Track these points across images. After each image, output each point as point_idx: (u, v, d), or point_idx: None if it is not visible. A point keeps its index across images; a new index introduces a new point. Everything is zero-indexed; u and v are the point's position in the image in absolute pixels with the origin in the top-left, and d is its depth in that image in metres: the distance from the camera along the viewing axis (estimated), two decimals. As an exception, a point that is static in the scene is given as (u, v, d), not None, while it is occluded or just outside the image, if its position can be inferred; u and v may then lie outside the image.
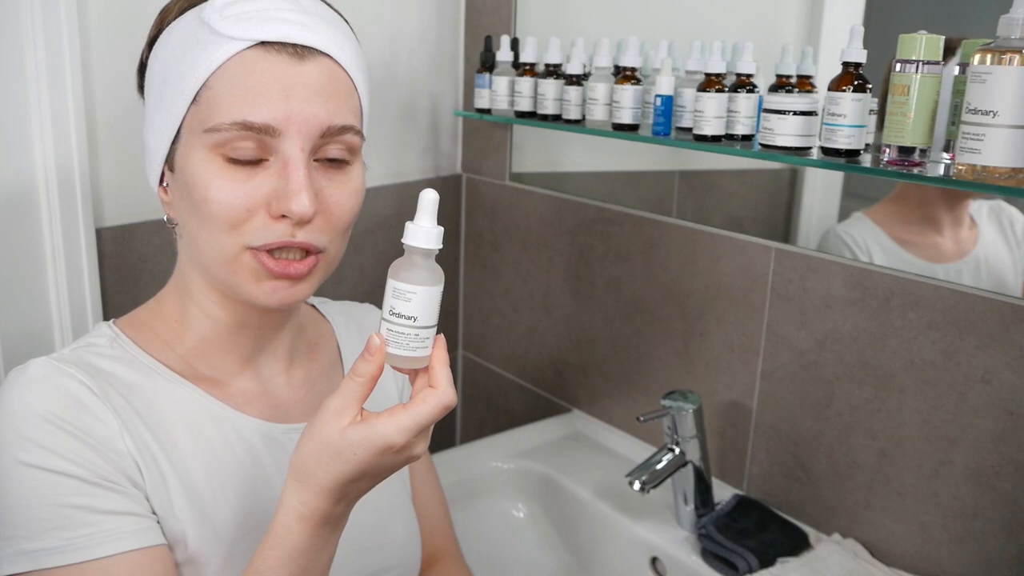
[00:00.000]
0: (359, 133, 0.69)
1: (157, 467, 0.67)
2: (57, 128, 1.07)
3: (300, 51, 0.65)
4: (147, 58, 0.71)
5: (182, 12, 0.68)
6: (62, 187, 1.09)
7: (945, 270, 1.02)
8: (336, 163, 0.68)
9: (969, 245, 1.02)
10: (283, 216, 0.65)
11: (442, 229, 0.65)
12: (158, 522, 0.67)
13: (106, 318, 1.18)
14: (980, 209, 1.03)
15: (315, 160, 0.67)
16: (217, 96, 0.64)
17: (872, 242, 1.06)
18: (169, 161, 0.69)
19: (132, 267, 1.19)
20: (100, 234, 1.15)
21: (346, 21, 0.74)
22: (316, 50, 0.66)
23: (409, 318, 0.62)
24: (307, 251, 0.67)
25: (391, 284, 0.62)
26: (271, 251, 0.66)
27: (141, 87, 0.73)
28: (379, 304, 0.95)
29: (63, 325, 1.12)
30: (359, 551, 0.78)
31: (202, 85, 0.65)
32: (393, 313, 0.62)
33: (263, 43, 0.64)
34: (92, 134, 1.12)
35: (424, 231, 0.64)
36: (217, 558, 0.68)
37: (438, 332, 0.64)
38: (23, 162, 1.06)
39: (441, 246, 0.64)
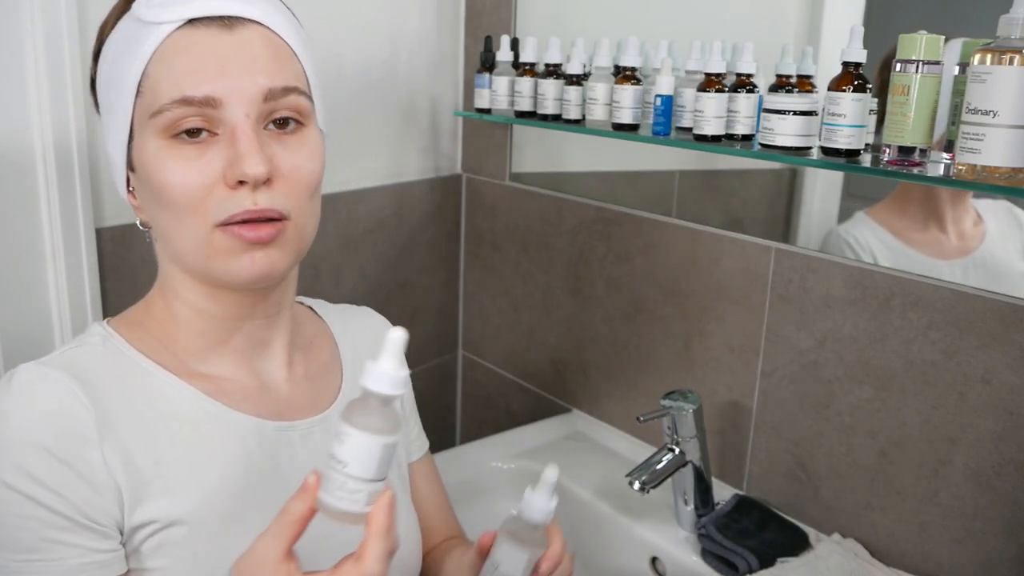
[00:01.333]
0: (305, 95, 0.69)
1: (143, 470, 0.66)
2: (57, 128, 1.07)
3: (228, 22, 0.65)
4: (95, 73, 0.72)
5: (117, 19, 0.69)
6: (62, 187, 1.09)
7: (951, 267, 1.01)
8: (288, 128, 0.68)
9: (975, 242, 1.02)
10: (240, 184, 0.64)
11: (406, 374, 0.58)
12: (124, 551, 0.66)
13: (106, 318, 1.18)
14: (988, 204, 1.02)
15: (266, 129, 0.67)
16: (156, 81, 0.65)
17: (875, 241, 1.06)
18: (129, 163, 0.69)
19: (132, 267, 1.19)
20: (100, 234, 1.15)
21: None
22: (245, 19, 0.66)
23: (341, 462, 0.55)
24: (270, 218, 0.66)
25: (338, 418, 0.57)
26: (235, 221, 0.65)
27: (96, 104, 0.73)
28: (378, 308, 0.96)
29: (63, 325, 1.12)
30: (350, 551, 0.77)
31: (141, 75, 0.65)
32: (331, 453, 0.56)
33: (191, 21, 0.65)
34: (92, 134, 1.12)
35: (386, 375, 0.56)
36: (209, 554, 0.68)
37: (386, 481, 0.57)
38: (23, 162, 1.06)
39: (403, 391, 0.57)
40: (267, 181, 0.65)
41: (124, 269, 1.19)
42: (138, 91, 0.66)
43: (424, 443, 0.95)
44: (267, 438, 0.73)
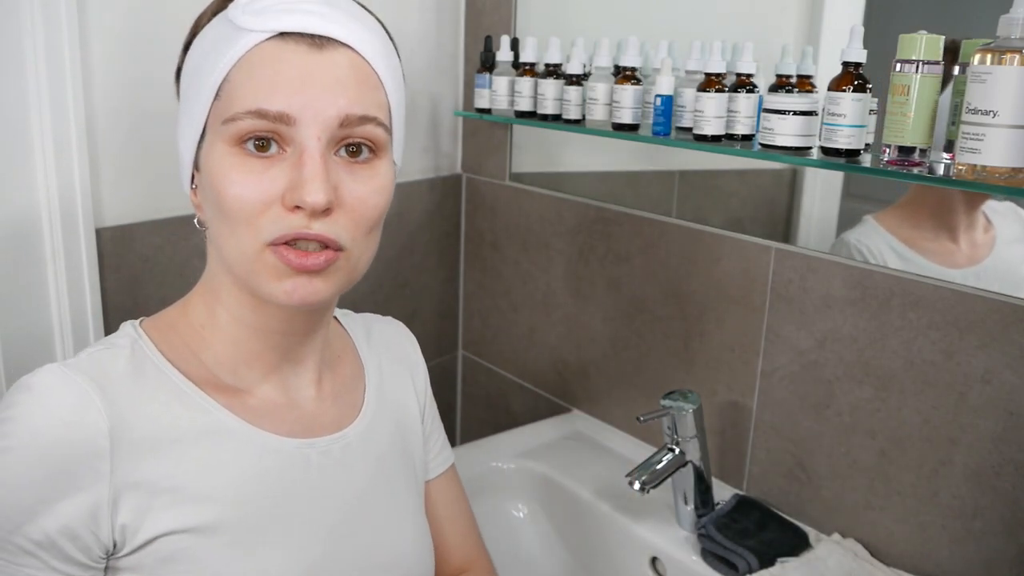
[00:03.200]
0: (383, 126, 0.67)
1: (154, 483, 0.66)
2: (57, 128, 1.07)
3: (319, 41, 0.64)
4: (182, 62, 0.71)
5: (213, 15, 0.69)
6: (62, 187, 1.09)
7: (963, 275, 0.98)
8: (360, 157, 0.66)
9: (985, 249, 0.99)
10: (297, 207, 0.63)
11: None
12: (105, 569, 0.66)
13: (106, 319, 1.18)
14: (995, 207, 1.00)
15: (337, 155, 0.65)
16: (235, 88, 0.64)
17: (888, 251, 1.03)
18: (196, 162, 0.69)
19: (132, 267, 1.19)
20: (100, 234, 1.15)
21: (379, 20, 0.73)
22: (336, 40, 0.64)
23: None
24: (325, 245, 0.65)
25: None
26: (289, 244, 0.64)
27: (178, 93, 0.73)
28: (378, 308, 0.96)
29: (63, 325, 1.12)
30: (363, 569, 0.76)
31: (223, 80, 0.64)
32: None
33: (282, 34, 0.63)
34: (92, 134, 1.12)
35: None
36: (216, 570, 0.67)
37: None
38: (23, 162, 1.06)
39: None
40: (327, 210, 0.63)
41: (124, 269, 1.19)
42: (217, 94, 0.65)
43: (447, 458, 0.93)
44: (285, 456, 0.72)
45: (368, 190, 0.66)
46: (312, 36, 0.64)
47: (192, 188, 0.71)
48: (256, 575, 0.68)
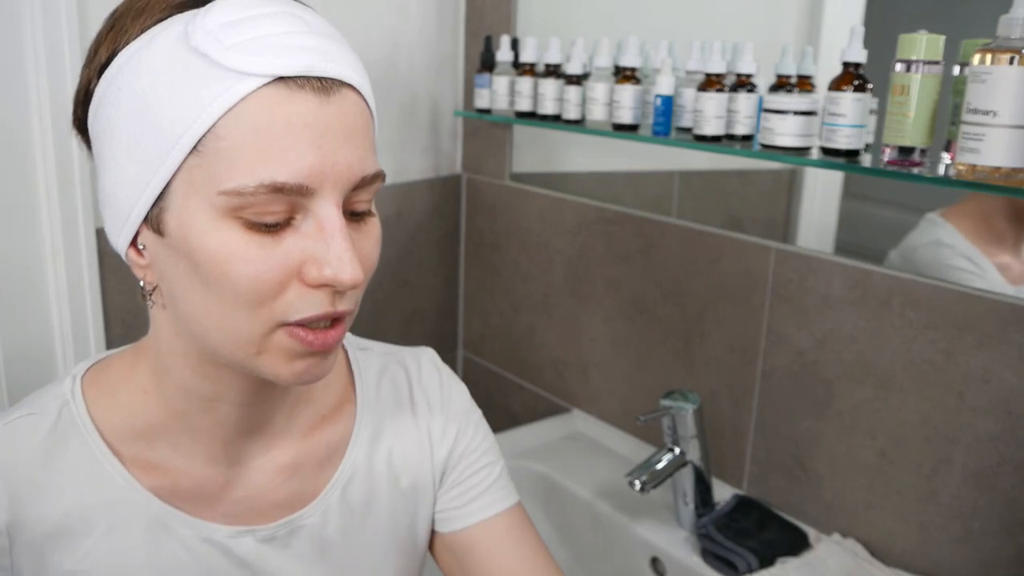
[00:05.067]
0: (382, 176, 0.59)
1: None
2: (57, 128, 1.07)
3: (325, 85, 0.54)
4: (93, 87, 0.58)
5: (145, 31, 0.55)
6: (62, 187, 1.09)
7: (1016, 292, 0.92)
8: (361, 215, 0.59)
9: None
10: (325, 285, 0.55)
11: None
12: None
13: (106, 319, 1.18)
14: None
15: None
16: (233, 149, 0.52)
17: (965, 265, 0.96)
18: (152, 220, 0.56)
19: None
20: (100, 234, 1.15)
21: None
22: (341, 82, 0.55)
23: None
24: (338, 318, 0.58)
25: None
26: (305, 323, 0.56)
27: (83, 123, 0.61)
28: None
29: (63, 325, 1.12)
30: None
31: (206, 132, 0.52)
32: None
33: (281, 79, 0.53)
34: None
35: None
36: None
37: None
38: (23, 162, 1.06)
39: None
40: None
41: (124, 269, 1.18)
42: (195, 148, 0.53)
43: (497, 499, 0.76)
44: (212, 546, 0.65)
45: (372, 245, 0.60)
46: (319, 79, 0.54)
47: (136, 248, 0.59)
48: None
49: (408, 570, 0.76)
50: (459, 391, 0.79)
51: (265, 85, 0.52)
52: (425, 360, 0.79)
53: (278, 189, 0.52)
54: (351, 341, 0.78)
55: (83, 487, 0.62)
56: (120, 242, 0.60)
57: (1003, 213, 0.98)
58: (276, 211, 0.54)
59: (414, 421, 0.76)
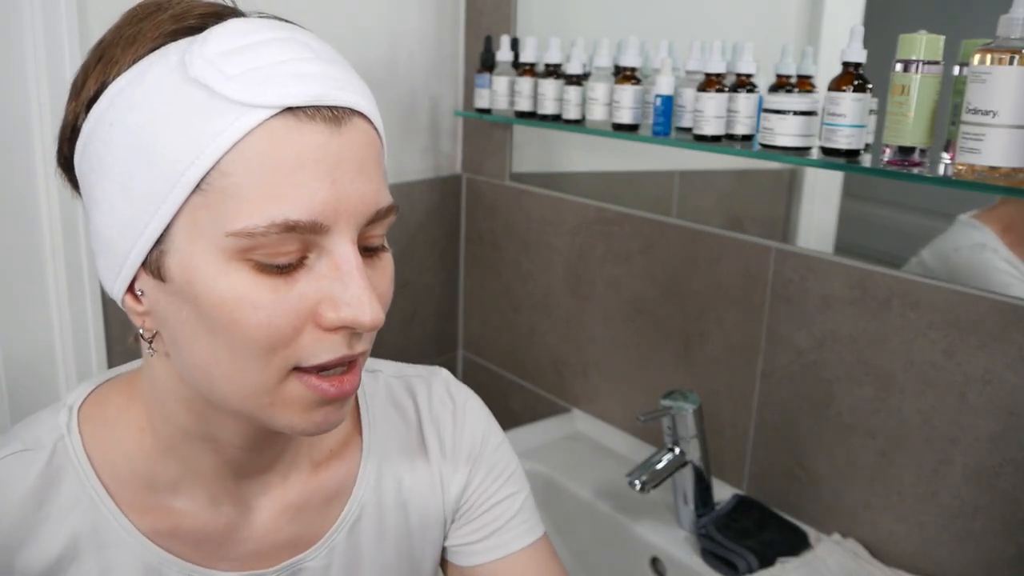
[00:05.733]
0: (396, 208, 0.56)
1: None
2: (57, 128, 1.07)
3: (336, 115, 0.51)
4: (83, 123, 0.54)
5: (137, 61, 0.52)
6: (62, 188, 1.08)
7: None
8: (375, 249, 0.56)
9: None
10: (341, 327, 0.52)
11: None
12: None
13: (106, 319, 1.18)
14: None
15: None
16: (240, 187, 0.49)
17: (1002, 267, 0.93)
18: (151, 265, 0.53)
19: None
20: (100, 234, 1.15)
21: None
22: (351, 111, 0.52)
23: None
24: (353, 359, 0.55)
25: None
26: (318, 369, 0.53)
27: (69, 161, 0.57)
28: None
29: (63, 325, 1.12)
30: None
31: (211, 169, 0.49)
32: None
33: (290, 109, 0.49)
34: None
35: None
36: None
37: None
38: (23, 163, 1.06)
39: None
40: None
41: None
42: (199, 186, 0.49)
43: (522, 533, 0.73)
44: None
45: (387, 282, 0.56)
46: (330, 109, 0.51)
47: (134, 293, 0.55)
48: None
49: None
50: (473, 420, 0.74)
51: (273, 117, 0.49)
52: (437, 387, 0.74)
53: (291, 228, 0.49)
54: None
55: (77, 530, 0.59)
56: (116, 288, 0.56)
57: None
58: (289, 251, 0.50)
59: (424, 457, 0.71)
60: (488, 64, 1.40)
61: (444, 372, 0.76)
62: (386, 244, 0.57)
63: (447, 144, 1.63)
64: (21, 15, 1.02)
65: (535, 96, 1.32)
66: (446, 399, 0.73)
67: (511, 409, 1.61)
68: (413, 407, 0.72)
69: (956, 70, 0.88)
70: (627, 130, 1.18)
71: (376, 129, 0.54)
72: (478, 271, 1.65)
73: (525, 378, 1.57)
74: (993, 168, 0.78)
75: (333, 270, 0.51)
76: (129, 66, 0.52)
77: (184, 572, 0.61)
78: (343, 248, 0.51)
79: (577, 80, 1.25)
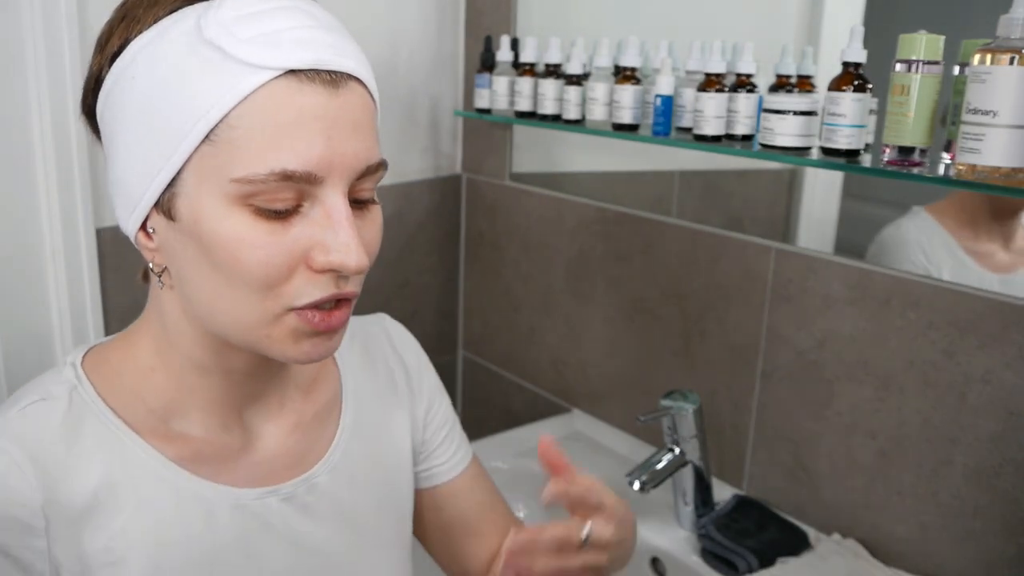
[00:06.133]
0: (385, 165, 0.62)
1: (93, 555, 0.62)
2: (57, 128, 1.07)
3: (334, 79, 0.56)
4: (104, 74, 0.60)
5: (157, 21, 0.58)
6: (62, 187, 1.09)
7: (1002, 281, 0.96)
8: (365, 202, 0.62)
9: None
10: (330, 270, 0.58)
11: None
12: None
13: (106, 319, 1.18)
14: None
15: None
16: (244, 138, 0.55)
17: (939, 245, 1.00)
18: (163, 205, 0.59)
19: (132, 267, 1.18)
20: (100, 234, 1.15)
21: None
22: (349, 76, 0.58)
23: None
24: (345, 299, 0.61)
25: None
26: (312, 306, 0.59)
27: (93, 110, 0.62)
28: (378, 308, 0.93)
29: (63, 325, 1.12)
30: None
31: (219, 122, 0.55)
32: None
33: (293, 71, 0.55)
34: (92, 134, 1.12)
35: None
36: None
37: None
38: (23, 162, 1.06)
39: None
40: None
41: (124, 269, 1.19)
42: (208, 136, 0.55)
43: (466, 454, 0.86)
44: (242, 509, 0.67)
45: (375, 232, 0.62)
46: (329, 73, 0.56)
47: (146, 231, 0.62)
48: None
49: (405, 524, 0.80)
50: (420, 351, 0.86)
51: (277, 77, 0.55)
52: (388, 325, 0.85)
53: (288, 177, 0.55)
54: None
55: (108, 465, 0.63)
56: (130, 226, 0.62)
57: (984, 206, 1.00)
58: (285, 198, 0.56)
59: (385, 381, 0.81)
60: (488, 64, 1.40)
61: (386, 316, 0.86)
62: (375, 198, 0.63)
63: (447, 144, 1.63)
64: (21, 15, 1.02)
65: (535, 96, 1.32)
66: (390, 335, 0.84)
67: (511, 409, 1.61)
68: (374, 341, 0.82)
69: (956, 70, 0.88)
70: (627, 130, 1.18)
71: (371, 93, 0.61)
72: (478, 271, 1.65)
73: (525, 378, 1.57)
74: (993, 168, 0.78)
75: (325, 218, 0.57)
76: (150, 25, 0.57)
77: (216, 493, 0.66)
78: (335, 199, 0.57)
79: (577, 80, 1.25)
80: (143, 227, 0.61)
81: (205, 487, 0.66)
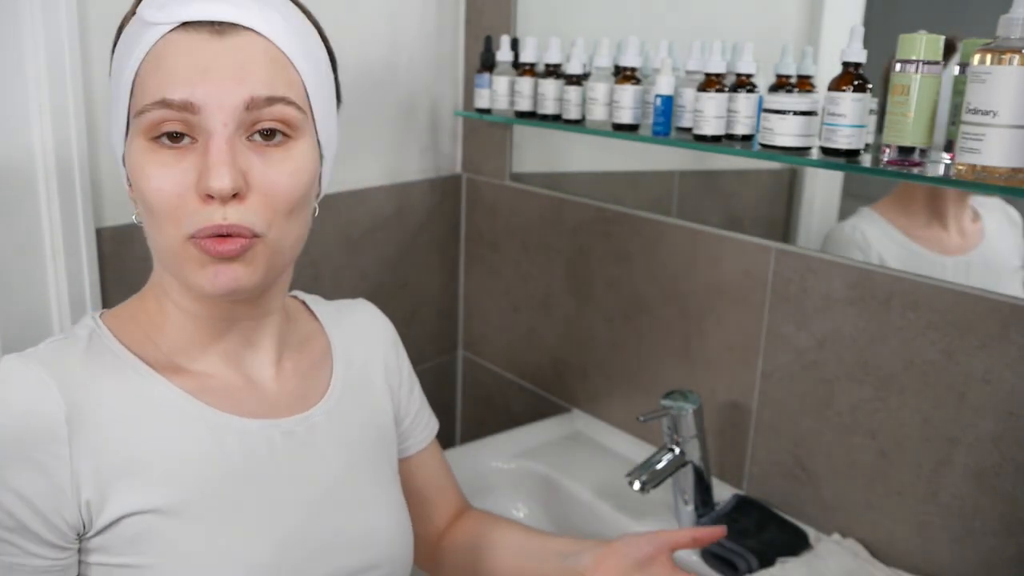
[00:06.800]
0: (294, 105, 0.66)
1: (114, 467, 0.67)
2: (57, 128, 1.07)
3: (219, 27, 0.64)
4: (111, 62, 0.72)
5: (130, 17, 0.69)
6: (62, 187, 1.09)
7: (954, 263, 1.02)
8: (274, 140, 0.66)
9: (974, 239, 1.02)
10: (209, 197, 0.63)
11: None
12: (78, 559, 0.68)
13: (100, 311, 1.18)
14: (984, 202, 1.03)
15: (250, 139, 0.65)
16: (144, 81, 0.65)
17: (883, 238, 1.06)
18: (125, 158, 0.69)
19: (132, 267, 1.19)
20: (100, 234, 1.15)
21: (296, 3, 0.72)
22: (238, 25, 0.65)
23: None
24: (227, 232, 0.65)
25: None
26: (201, 235, 0.65)
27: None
28: (386, 308, 0.97)
29: (63, 326, 1.12)
30: (334, 549, 0.76)
31: (135, 74, 0.66)
32: None
33: (184, 24, 0.64)
34: (92, 134, 1.12)
35: None
36: (181, 549, 0.68)
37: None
38: (23, 162, 1.06)
39: None
40: (238, 196, 0.64)
41: (124, 269, 1.19)
42: (131, 90, 0.66)
43: (433, 428, 0.95)
44: (248, 436, 0.73)
45: (281, 173, 0.66)
46: (213, 23, 0.64)
47: (129, 186, 0.71)
48: (222, 555, 0.69)
49: (395, 468, 0.87)
50: (394, 329, 0.94)
51: (172, 31, 0.65)
52: (365, 305, 0.93)
53: (167, 104, 0.63)
54: (302, 296, 0.90)
55: (125, 390, 0.69)
56: (125, 184, 0.71)
57: (921, 194, 1.06)
58: (170, 123, 0.64)
59: (370, 353, 0.88)
60: (488, 64, 1.40)
61: (365, 300, 0.95)
62: (294, 137, 0.67)
63: (447, 144, 1.63)
64: (21, 15, 1.02)
65: (535, 96, 1.32)
66: (373, 316, 0.92)
67: (511, 409, 1.61)
68: (351, 319, 0.90)
69: (956, 70, 0.88)
70: (627, 130, 1.18)
71: (274, 43, 0.66)
72: (478, 271, 1.65)
73: (525, 378, 1.57)
74: (993, 168, 0.78)
75: (205, 145, 0.63)
76: (127, 24, 0.69)
77: (224, 420, 0.72)
78: (214, 127, 0.63)
79: (577, 80, 1.25)
80: (128, 184, 0.70)
81: (213, 413, 0.72)
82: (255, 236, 0.65)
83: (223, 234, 0.64)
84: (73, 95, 1.07)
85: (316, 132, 0.71)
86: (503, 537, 0.92)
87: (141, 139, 0.65)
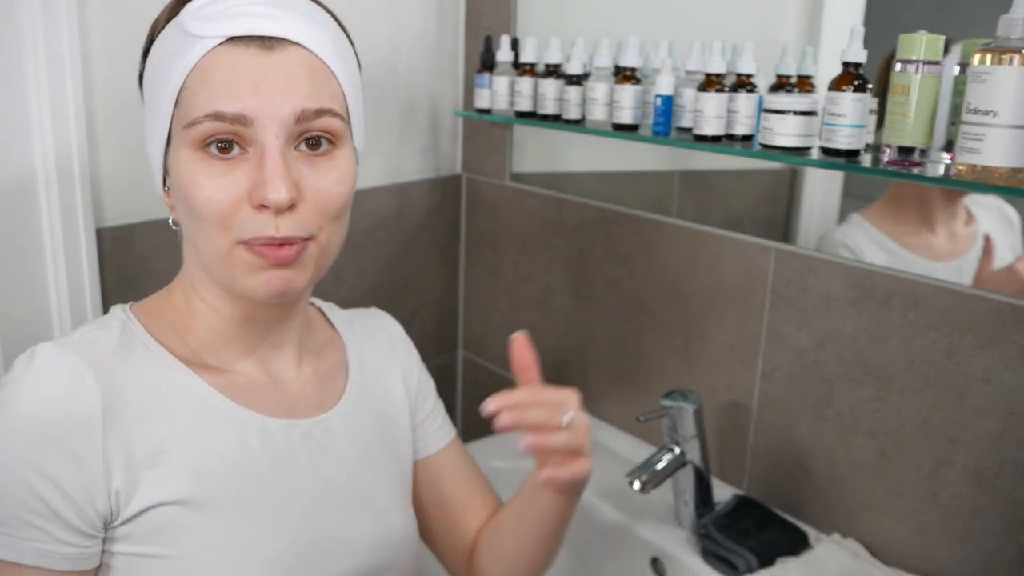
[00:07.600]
0: (339, 116, 0.70)
1: (142, 458, 0.68)
2: (57, 128, 1.07)
3: (268, 42, 0.66)
4: (143, 70, 0.73)
5: (167, 21, 0.71)
6: (62, 187, 1.09)
7: (946, 268, 1.02)
8: (320, 150, 0.69)
9: (966, 243, 1.02)
10: (263, 206, 0.66)
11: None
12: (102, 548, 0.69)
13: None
14: (980, 202, 1.03)
15: (297, 150, 0.68)
16: (193, 94, 0.66)
17: (872, 245, 1.06)
18: (165, 166, 0.71)
19: (132, 267, 1.19)
20: (100, 234, 1.15)
21: (329, 12, 0.75)
22: (285, 40, 0.67)
23: None
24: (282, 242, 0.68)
25: None
26: (254, 243, 0.67)
27: (143, 98, 0.76)
28: (386, 308, 0.97)
29: (63, 326, 1.12)
30: (348, 548, 0.78)
31: (181, 87, 0.67)
32: None
33: (232, 38, 0.66)
34: (92, 134, 1.12)
35: None
36: (202, 542, 0.70)
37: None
38: (23, 162, 1.06)
39: None
40: (291, 206, 0.66)
41: (124, 269, 1.19)
42: (176, 101, 0.68)
43: (449, 430, 0.95)
44: (269, 434, 0.75)
45: (330, 180, 0.69)
46: (261, 38, 0.66)
47: (165, 190, 0.74)
48: (241, 549, 0.70)
49: (407, 476, 0.89)
50: (405, 334, 0.96)
51: (219, 45, 0.66)
52: (378, 313, 0.96)
53: (219, 117, 0.65)
54: (319, 303, 0.92)
55: (156, 382, 0.71)
56: (158, 189, 0.74)
57: (911, 199, 1.05)
58: (222, 136, 0.66)
59: (384, 359, 0.90)
60: (488, 64, 1.40)
61: (375, 308, 0.97)
62: (338, 146, 0.70)
63: (447, 144, 1.63)
64: (21, 16, 1.02)
65: (535, 96, 1.32)
66: (386, 323, 0.95)
67: (511, 409, 1.61)
68: (370, 323, 0.93)
69: (956, 70, 0.88)
70: (627, 130, 1.18)
71: (318, 57, 0.69)
72: (478, 271, 1.65)
73: (525, 378, 1.57)
74: (993, 168, 0.78)
75: (259, 158, 0.66)
76: (162, 28, 0.71)
77: (248, 417, 0.74)
78: (267, 139, 0.65)
79: (577, 80, 1.25)
80: (164, 188, 0.73)
81: (238, 410, 0.74)
82: (306, 239, 0.68)
83: (278, 243, 0.66)
84: (73, 96, 1.07)
85: (353, 137, 0.74)
86: (499, 521, 0.91)
87: (189, 150, 0.67)
